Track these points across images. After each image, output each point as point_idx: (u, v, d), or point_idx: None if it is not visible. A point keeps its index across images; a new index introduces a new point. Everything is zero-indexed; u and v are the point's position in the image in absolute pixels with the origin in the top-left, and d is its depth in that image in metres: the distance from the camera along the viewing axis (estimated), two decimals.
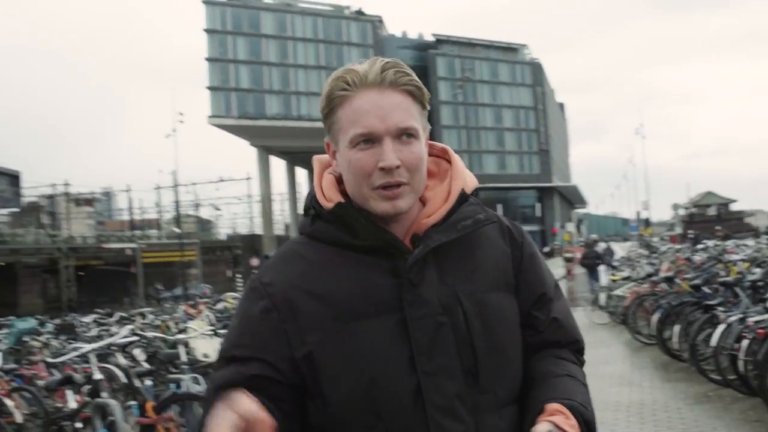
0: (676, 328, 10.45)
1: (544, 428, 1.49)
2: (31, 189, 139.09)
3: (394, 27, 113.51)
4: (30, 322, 13.95)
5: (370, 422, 1.59)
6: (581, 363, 1.79)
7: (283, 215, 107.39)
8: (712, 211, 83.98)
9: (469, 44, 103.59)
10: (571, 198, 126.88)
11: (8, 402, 8.83)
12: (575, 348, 1.80)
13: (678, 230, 75.34)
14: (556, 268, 47.12)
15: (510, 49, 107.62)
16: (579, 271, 31.15)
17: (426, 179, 1.71)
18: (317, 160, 1.82)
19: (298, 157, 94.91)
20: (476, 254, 1.71)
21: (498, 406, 1.64)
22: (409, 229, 1.69)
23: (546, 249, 76.71)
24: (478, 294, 1.66)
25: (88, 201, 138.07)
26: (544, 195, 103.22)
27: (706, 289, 10.88)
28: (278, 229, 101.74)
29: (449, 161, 1.82)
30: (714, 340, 8.64)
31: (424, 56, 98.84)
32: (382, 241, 1.65)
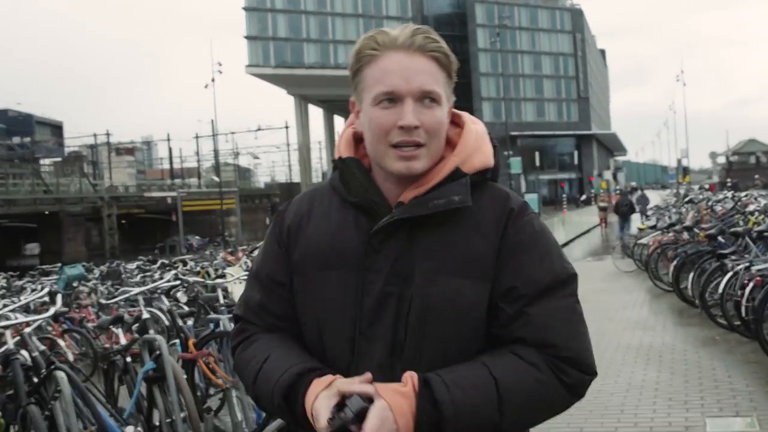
0: (691, 276, 10.90)
1: (360, 388, 1.57)
2: (74, 139, 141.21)
3: None
4: (78, 269, 14.71)
5: (322, 360, 1.72)
6: (560, 371, 1.62)
7: (321, 163, 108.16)
8: (753, 159, 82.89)
9: None
10: (610, 145, 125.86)
11: (61, 342, 9.54)
12: (551, 353, 1.62)
13: (716, 179, 74.72)
14: (594, 215, 47.35)
15: None
16: (614, 219, 31.48)
17: (443, 147, 1.73)
18: (350, 117, 1.87)
19: (335, 105, 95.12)
20: (452, 235, 1.68)
21: None
22: (402, 195, 1.72)
23: (583, 197, 76.70)
24: (436, 274, 1.66)
25: (129, 150, 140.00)
26: (582, 142, 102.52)
27: (721, 239, 11.28)
28: (316, 177, 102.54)
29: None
30: (721, 287, 9.12)
31: (463, 3, 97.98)
32: (366, 201, 1.72)
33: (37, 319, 6.10)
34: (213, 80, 63.99)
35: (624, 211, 30.10)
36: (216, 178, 74.01)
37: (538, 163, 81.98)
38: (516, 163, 58.93)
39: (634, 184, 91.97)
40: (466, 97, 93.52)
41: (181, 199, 63.90)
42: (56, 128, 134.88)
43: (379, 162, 1.71)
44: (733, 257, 9.76)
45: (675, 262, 11.90)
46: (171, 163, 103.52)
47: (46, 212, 61.72)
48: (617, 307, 12.69)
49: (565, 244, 37.17)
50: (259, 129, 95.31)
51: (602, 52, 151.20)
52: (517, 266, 1.67)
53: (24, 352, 5.22)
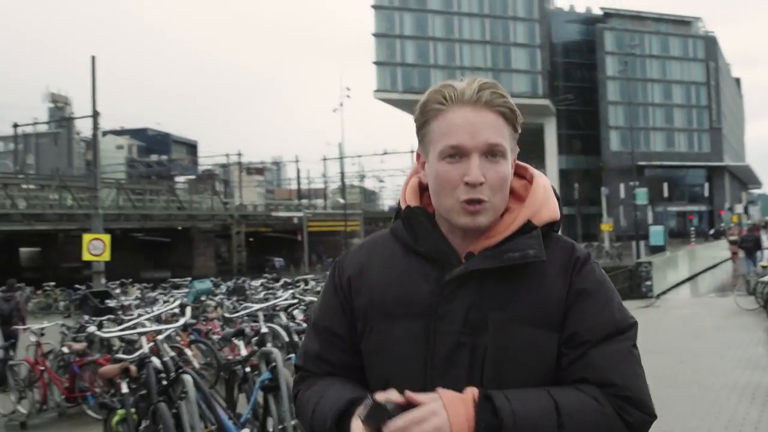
0: None
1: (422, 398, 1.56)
2: (207, 158, 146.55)
3: (561, 0, 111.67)
4: (207, 284, 15.62)
5: None
6: (622, 410, 1.62)
7: None
8: None
9: (639, 17, 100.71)
10: (744, 178, 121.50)
11: (188, 352, 10.27)
12: (612, 392, 1.63)
13: None
14: (722, 250, 46.04)
15: (682, 22, 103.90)
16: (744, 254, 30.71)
17: (507, 199, 1.75)
18: (414, 165, 1.89)
19: None
20: (522, 286, 1.71)
21: None
22: (469, 246, 1.75)
23: (712, 231, 74.46)
24: (509, 324, 1.68)
25: (259, 170, 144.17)
26: (713, 174, 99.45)
27: None
28: None
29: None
30: None
31: (592, 30, 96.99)
32: (436, 251, 1.74)
33: (168, 328, 6.79)
34: (341, 104, 65.72)
35: (748, 246, 29.37)
36: (341, 200, 75.49)
37: (666, 195, 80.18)
38: (642, 195, 57.91)
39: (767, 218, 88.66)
40: (593, 126, 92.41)
41: (306, 219, 65.50)
42: (191, 147, 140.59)
43: (445, 215, 1.74)
44: None
45: None
46: (299, 183, 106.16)
47: (179, 228, 64.45)
48: (731, 345, 12.60)
49: (691, 278, 36.42)
50: (385, 153, 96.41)
51: (737, 80, 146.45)
52: (579, 313, 1.70)
53: (155, 358, 5.87)
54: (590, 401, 1.62)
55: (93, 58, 24.74)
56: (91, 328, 8.82)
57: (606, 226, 60.00)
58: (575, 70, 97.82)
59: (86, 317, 11.98)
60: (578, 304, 1.71)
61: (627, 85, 76.81)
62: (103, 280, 24.18)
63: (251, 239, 72.85)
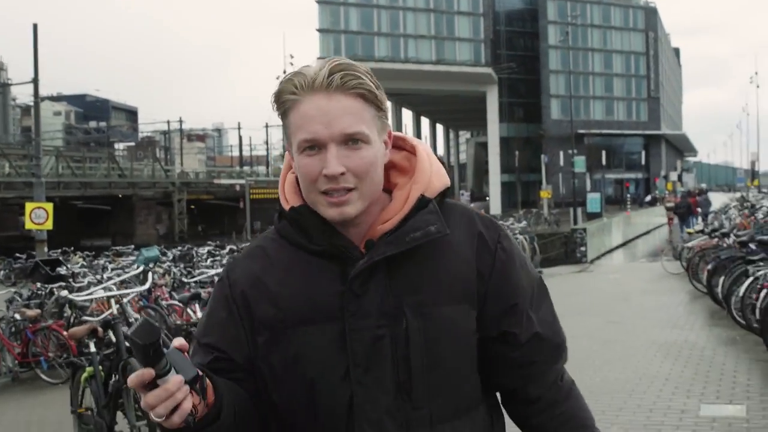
0: (722, 280, 11.58)
1: None
2: (148, 125, 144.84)
3: None
4: (155, 251, 15.94)
5: (309, 426, 1.65)
6: (562, 358, 1.78)
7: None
8: None
9: None
10: (680, 146, 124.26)
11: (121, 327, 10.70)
12: (556, 354, 1.74)
13: None
14: (657, 216, 47.51)
15: None
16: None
17: (380, 183, 1.67)
18: (286, 158, 1.81)
19: (404, 99, 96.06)
20: (431, 264, 1.64)
21: (431, 422, 1.63)
22: (366, 234, 1.67)
23: (647, 198, 76.33)
24: (426, 307, 1.62)
25: (200, 137, 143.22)
26: (650, 142, 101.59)
27: (752, 246, 11.93)
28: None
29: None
30: (741, 291, 9.86)
31: None
32: (334, 247, 1.64)
33: (133, 292, 7.21)
34: (284, 72, 65.29)
35: (682, 212, 30.57)
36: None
37: (604, 162, 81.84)
38: (580, 162, 59.27)
39: (704, 185, 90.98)
40: (534, 94, 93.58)
41: (249, 186, 65.46)
42: (131, 114, 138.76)
43: (315, 208, 1.65)
44: (761, 264, 10.44)
45: (709, 266, 12.58)
46: (241, 151, 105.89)
47: (120, 195, 64.01)
48: (655, 307, 13.43)
49: (625, 244, 37.65)
50: None
51: (676, 51, 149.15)
52: (513, 282, 1.70)
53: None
54: (580, 398, 1.80)
55: (35, 26, 24.60)
56: (63, 293, 9.26)
57: (545, 193, 61.14)
58: (518, 38, 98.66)
59: (38, 284, 12.25)
60: (507, 274, 1.69)
61: (568, 54, 77.80)
62: (46, 249, 24.17)
63: (193, 207, 72.60)
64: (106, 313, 5.98)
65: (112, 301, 5.91)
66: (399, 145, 1.77)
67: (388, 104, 1.67)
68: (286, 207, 1.72)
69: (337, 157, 1.57)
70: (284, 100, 1.63)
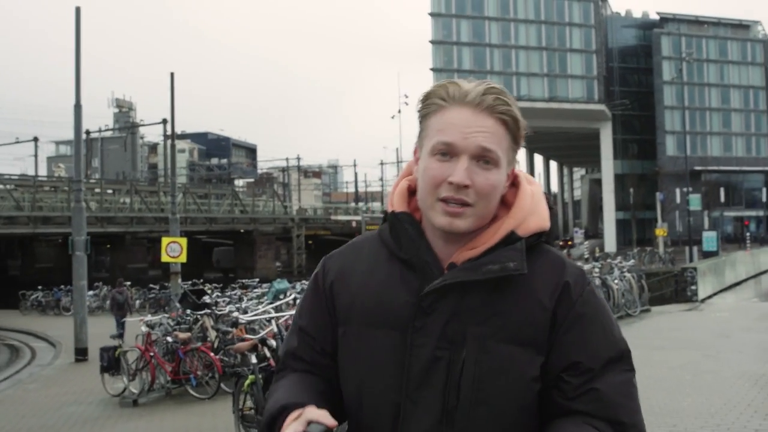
0: None
1: None
2: (266, 162, 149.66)
3: (617, 5, 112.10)
4: (285, 284, 17.50)
5: (358, 420, 1.70)
6: None
7: None
8: None
9: (696, 22, 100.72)
10: None
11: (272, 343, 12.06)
12: (620, 430, 1.59)
13: None
14: None
15: (740, 26, 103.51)
16: None
17: (494, 209, 1.68)
18: (407, 164, 1.84)
19: None
20: (505, 300, 1.63)
21: None
22: (455, 256, 1.68)
23: None
24: (489, 340, 1.61)
25: (317, 174, 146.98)
26: None
27: None
28: None
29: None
30: None
31: (648, 35, 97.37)
32: (418, 259, 1.67)
33: (286, 315, 8.60)
34: (399, 111, 67.25)
35: None
36: None
37: (723, 200, 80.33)
38: (695, 200, 58.70)
39: None
40: (649, 130, 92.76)
41: (365, 222, 67.15)
42: (251, 151, 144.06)
43: (426, 213, 1.68)
44: None
45: None
46: (356, 187, 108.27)
47: (242, 230, 66.71)
48: (754, 343, 14.04)
49: (740, 283, 37.35)
50: None
51: None
52: (581, 339, 1.62)
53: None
54: None
55: (172, 74, 26.59)
56: (235, 314, 10.91)
57: (660, 231, 60.62)
58: (631, 74, 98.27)
59: (188, 311, 13.78)
60: (578, 329, 1.63)
61: (683, 89, 77.10)
62: (179, 280, 26.10)
63: (310, 242, 74.92)
64: (265, 331, 7.29)
65: (273, 321, 7.22)
66: (513, 182, 1.76)
67: (523, 141, 1.72)
68: (390, 210, 1.79)
69: (466, 169, 1.60)
70: (431, 103, 1.67)
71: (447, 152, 1.61)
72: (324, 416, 1.56)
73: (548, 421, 1.63)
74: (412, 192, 1.77)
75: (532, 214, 1.70)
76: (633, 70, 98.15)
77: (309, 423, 1.54)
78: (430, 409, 1.61)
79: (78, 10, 18.60)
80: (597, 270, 20.13)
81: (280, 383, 1.79)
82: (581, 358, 1.62)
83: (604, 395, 1.60)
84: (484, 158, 1.61)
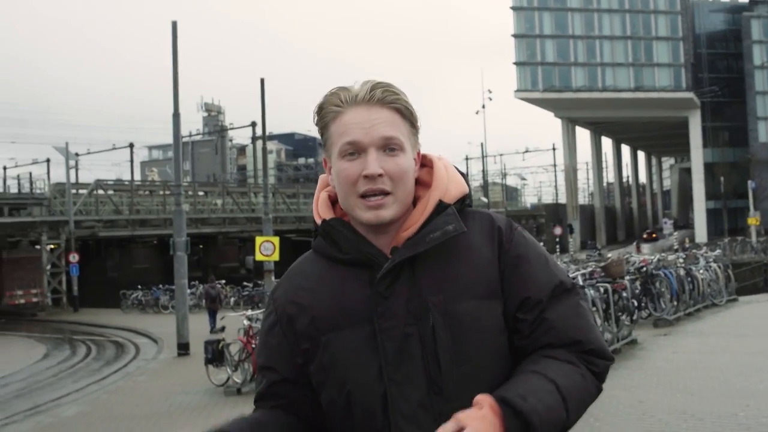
0: None
1: (448, 428, 1.48)
2: None
3: None
4: None
5: (349, 426, 1.73)
6: (591, 363, 1.72)
7: (587, 184, 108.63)
8: None
9: None
10: None
11: None
12: (578, 349, 1.70)
13: None
14: None
15: None
16: None
17: (412, 192, 1.77)
18: (321, 179, 1.89)
19: (603, 127, 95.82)
20: (453, 263, 1.73)
21: None
22: (392, 242, 1.75)
23: None
24: (449, 304, 1.69)
25: None
26: None
27: None
28: (583, 198, 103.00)
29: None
30: None
31: (738, 19, 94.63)
32: (362, 254, 1.74)
33: None
34: (483, 107, 67.51)
35: None
36: (484, 199, 76.91)
37: None
38: None
39: None
40: (740, 117, 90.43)
41: None
42: None
43: (351, 213, 1.76)
44: None
45: None
46: None
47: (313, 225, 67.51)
48: None
49: None
50: (526, 151, 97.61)
51: None
52: (524, 277, 1.75)
53: None
54: (571, 368, 1.68)
55: (262, 80, 27.57)
56: None
57: (753, 219, 59.45)
58: (720, 60, 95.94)
59: None
60: (519, 269, 1.76)
61: None
62: (273, 278, 27.07)
63: None
64: None
65: None
66: (421, 162, 1.86)
67: (419, 125, 1.82)
68: (319, 221, 1.84)
69: (376, 160, 1.70)
70: (328, 112, 1.77)
71: (354, 151, 1.72)
72: None
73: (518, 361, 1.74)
74: (333, 202, 1.87)
75: (451, 182, 1.83)
76: (722, 56, 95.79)
77: None
78: (415, 385, 1.69)
79: (175, 24, 19.65)
80: (681, 260, 20.17)
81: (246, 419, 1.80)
82: (529, 293, 1.74)
83: (556, 322, 1.72)
84: (388, 146, 1.72)
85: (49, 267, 45.24)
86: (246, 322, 13.34)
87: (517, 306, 1.74)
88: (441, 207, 1.76)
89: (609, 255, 32.46)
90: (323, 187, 1.89)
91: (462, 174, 1.88)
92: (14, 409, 14.04)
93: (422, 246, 1.70)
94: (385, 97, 1.73)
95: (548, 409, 1.57)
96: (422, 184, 1.83)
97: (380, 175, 1.69)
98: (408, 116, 1.77)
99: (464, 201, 1.83)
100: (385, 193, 1.70)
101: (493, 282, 1.74)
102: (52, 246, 45.87)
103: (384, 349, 1.68)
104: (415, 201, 1.80)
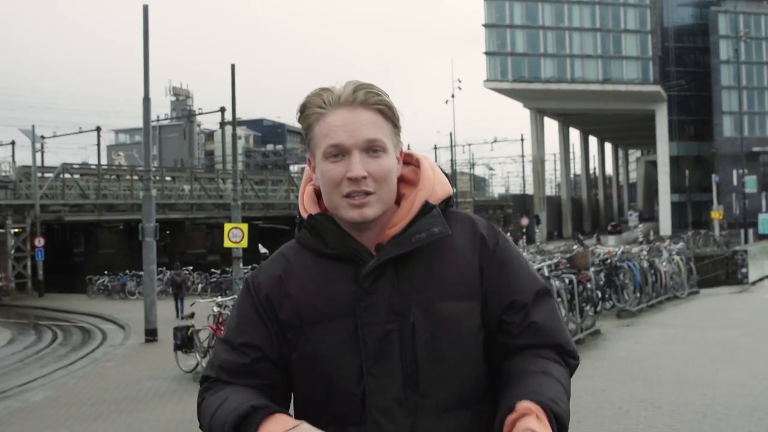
0: None
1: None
2: None
3: None
4: None
5: (326, 416, 1.75)
6: (567, 364, 1.83)
7: (554, 175, 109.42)
8: None
9: None
10: None
11: None
12: (559, 350, 1.82)
13: None
14: None
15: None
16: None
17: (395, 191, 1.81)
18: (306, 172, 1.94)
19: (571, 119, 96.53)
20: (436, 263, 1.78)
21: (438, 410, 1.73)
22: (377, 238, 1.80)
23: None
24: (430, 303, 1.75)
25: None
26: None
27: None
28: (550, 189, 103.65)
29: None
30: None
31: (705, 13, 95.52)
32: (347, 250, 1.78)
33: None
34: (453, 96, 67.71)
35: None
36: (452, 188, 77.21)
37: None
38: (751, 182, 58.47)
39: None
40: (705, 111, 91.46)
41: None
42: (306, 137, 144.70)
43: (335, 212, 1.79)
44: None
45: None
46: None
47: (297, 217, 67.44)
48: None
49: None
50: (495, 141, 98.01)
51: None
52: (510, 281, 1.82)
53: None
54: (562, 369, 1.80)
55: (233, 66, 27.37)
56: None
57: (716, 213, 60.22)
58: (687, 54, 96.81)
59: None
60: (505, 273, 1.83)
61: (741, 69, 75.92)
62: (241, 265, 27.13)
63: None
64: None
65: None
66: (406, 160, 1.92)
67: (402, 124, 1.85)
68: (305, 215, 1.88)
69: (359, 162, 1.73)
70: (311, 113, 1.79)
71: (338, 153, 1.75)
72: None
73: (501, 361, 1.82)
74: (319, 195, 1.89)
75: (437, 183, 1.87)
76: (689, 50, 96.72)
77: None
78: (392, 379, 1.74)
79: (146, 8, 19.55)
80: (644, 253, 20.52)
81: (219, 394, 1.78)
82: (515, 296, 1.81)
83: (541, 325, 1.82)
84: (372, 148, 1.75)
85: (13, 251, 44.75)
86: (216, 309, 13.42)
87: (504, 308, 1.81)
88: (427, 208, 1.80)
89: (575, 247, 32.80)
90: (308, 181, 1.93)
91: (447, 175, 1.94)
92: None
93: (408, 246, 1.75)
94: (367, 99, 1.76)
95: (567, 411, 1.68)
96: (406, 181, 1.88)
97: (364, 177, 1.72)
98: (390, 116, 1.80)
99: (448, 202, 1.88)
100: (369, 193, 1.74)
101: (473, 283, 1.80)
102: (16, 230, 45.37)
103: (365, 343, 1.73)
104: (400, 198, 1.85)
